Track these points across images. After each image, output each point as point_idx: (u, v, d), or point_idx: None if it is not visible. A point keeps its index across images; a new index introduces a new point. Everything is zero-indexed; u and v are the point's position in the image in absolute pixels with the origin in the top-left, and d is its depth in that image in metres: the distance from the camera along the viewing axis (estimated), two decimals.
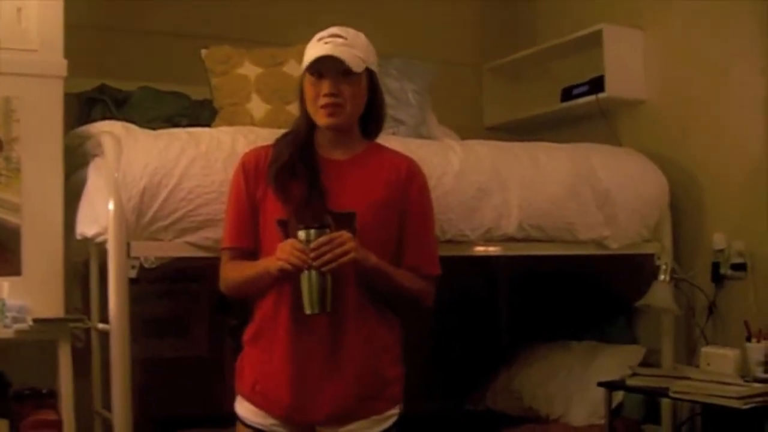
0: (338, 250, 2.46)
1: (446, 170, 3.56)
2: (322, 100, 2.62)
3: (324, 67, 2.60)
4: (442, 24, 5.20)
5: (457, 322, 4.81)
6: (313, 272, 2.47)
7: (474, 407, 4.62)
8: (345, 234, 2.49)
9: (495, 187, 3.66)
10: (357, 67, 2.60)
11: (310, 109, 2.66)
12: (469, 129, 4.63)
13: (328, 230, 2.49)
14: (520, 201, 3.71)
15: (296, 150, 2.68)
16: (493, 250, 3.76)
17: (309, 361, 2.58)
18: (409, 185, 2.72)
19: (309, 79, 2.64)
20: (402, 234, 2.70)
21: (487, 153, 3.75)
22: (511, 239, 3.74)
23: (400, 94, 4.03)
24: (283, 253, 2.49)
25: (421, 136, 3.94)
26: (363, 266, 2.54)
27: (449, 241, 3.55)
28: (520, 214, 3.70)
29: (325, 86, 2.61)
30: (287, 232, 2.57)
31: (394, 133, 3.81)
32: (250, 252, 2.68)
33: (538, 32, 5.12)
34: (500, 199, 3.67)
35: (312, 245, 2.46)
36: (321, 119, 2.64)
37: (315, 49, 2.62)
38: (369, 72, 2.67)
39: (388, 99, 3.88)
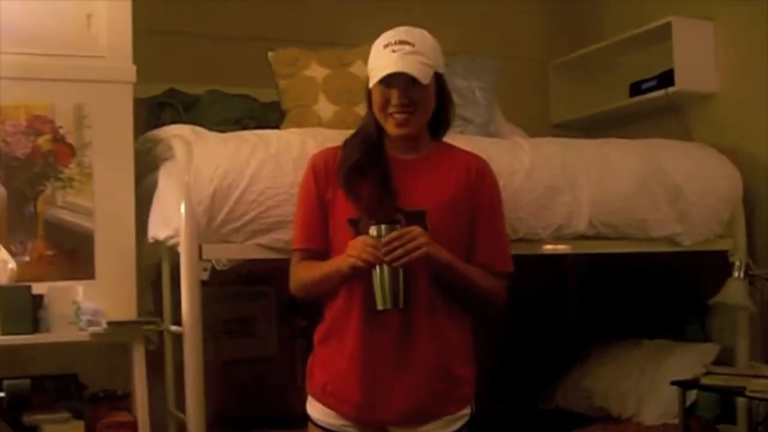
0: (410, 245, 2.45)
1: (516, 168, 3.54)
2: (392, 109, 2.60)
3: (394, 78, 2.57)
4: (508, 20, 5.17)
5: (526, 320, 4.77)
6: (385, 267, 2.46)
7: (544, 406, 4.58)
8: (417, 229, 2.48)
9: (565, 185, 3.64)
10: (426, 77, 2.58)
11: (378, 115, 2.65)
12: (536, 126, 4.60)
13: (399, 226, 2.48)
14: (590, 198, 3.68)
15: (365, 151, 2.67)
16: (563, 248, 3.74)
17: (379, 360, 2.58)
18: (480, 184, 2.70)
19: (377, 87, 2.62)
20: (473, 232, 2.68)
21: (556, 150, 3.73)
22: (582, 237, 3.71)
23: (467, 92, 4.01)
24: (354, 250, 2.48)
25: (489, 135, 3.93)
26: (435, 262, 2.53)
27: (520, 240, 3.53)
28: (590, 212, 3.67)
29: (394, 96, 2.59)
30: (358, 231, 2.57)
31: (462, 132, 3.79)
32: (321, 253, 2.68)
33: (605, 27, 5.05)
34: (570, 197, 3.64)
35: (383, 240, 2.45)
36: (391, 129, 2.63)
37: (383, 58, 2.60)
38: (436, 74, 2.65)
39: (455, 98, 3.86)
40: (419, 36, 2.62)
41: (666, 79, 4.44)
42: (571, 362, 4.64)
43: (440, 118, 2.74)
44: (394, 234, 2.45)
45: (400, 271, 2.47)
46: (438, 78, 2.66)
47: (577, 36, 5.19)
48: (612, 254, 3.87)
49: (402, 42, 2.59)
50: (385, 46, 2.61)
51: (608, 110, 4.87)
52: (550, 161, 3.66)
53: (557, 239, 3.67)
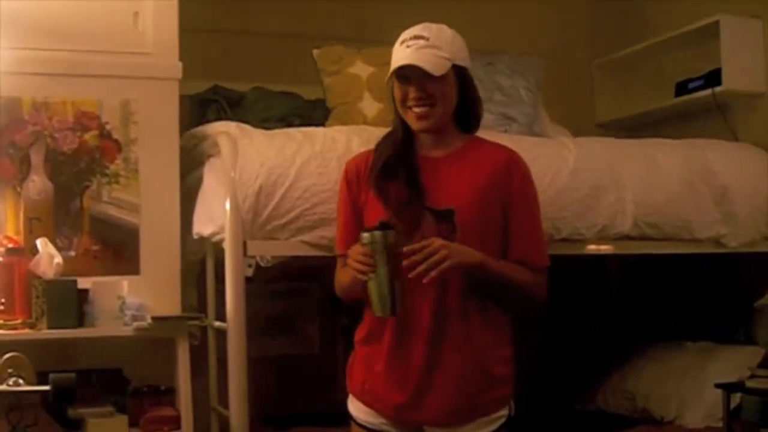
0: (432, 259, 2.42)
1: (561, 168, 3.53)
2: (411, 103, 2.60)
3: (408, 71, 2.57)
4: (553, 19, 5.13)
5: (565, 319, 4.74)
6: (379, 274, 2.44)
7: (585, 408, 4.55)
8: (436, 241, 2.45)
9: (610, 185, 3.62)
10: (438, 69, 2.55)
11: (400, 111, 2.65)
12: (580, 125, 4.56)
13: (392, 231, 2.45)
14: (635, 198, 3.66)
15: (394, 151, 2.67)
16: (606, 248, 3.72)
17: (413, 361, 2.57)
18: (510, 176, 2.65)
19: (396, 83, 2.62)
20: (506, 227, 2.64)
21: (601, 150, 3.71)
22: (626, 237, 3.69)
23: (512, 91, 3.99)
24: (350, 259, 2.50)
25: (533, 134, 3.91)
26: (467, 267, 2.51)
27: (564, 240, 3.52)
28: (635, 212, 3.66)
29: (411, 90, 2.59)
30: None
31: (506, 131, 3.78)
32: None
33: (651, 25, 5.00)
34: (615, 197, 3.63)
35: (405, 256, 2.43)
36: (413, 123, 2.63)
37: (398, 53, 2.60)
38: (458, 68, 2.63)
39: (499, 96, 3.87)
40: (436, 30, 2.61)
41: (713, 78, 4.40)
42: (610, 364, 4.61)
43: (467, 112, 2.71)
44: (415, 246, 2.43)
45: (395, 279, 2.45)
46: (460, 71, 2.64)
47: (623, 34, 5.13)
48: (656, 255, 3.84)
49: (416, 37, 2.59)
50: (402, 42, 2.62)
51: (654, 110, 4.82)
52: (595, 161, 3.65)
53: (601, 239, 3.65)
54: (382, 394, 2.62)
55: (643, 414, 4.25)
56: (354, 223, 2.68)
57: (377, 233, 2.45)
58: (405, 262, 2.42)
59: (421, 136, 2.68)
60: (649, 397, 4.27)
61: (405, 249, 2.43)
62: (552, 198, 3.43)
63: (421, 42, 2.57)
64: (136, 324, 3.22)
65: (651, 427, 4.08)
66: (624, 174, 3.68)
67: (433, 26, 2.62)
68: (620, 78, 5.19)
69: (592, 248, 3.67)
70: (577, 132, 4.19)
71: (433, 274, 2.42)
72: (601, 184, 3.61)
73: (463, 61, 2.64)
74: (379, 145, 2.73)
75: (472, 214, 2.57)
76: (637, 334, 4.73)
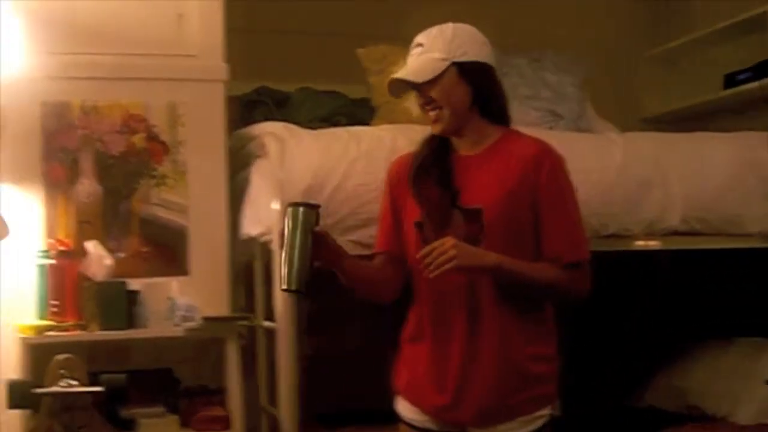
0: (439, 259, 2.39)
1: (608, 164, 3.52)
2: (425, 109, 2.59)
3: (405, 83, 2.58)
4: (598, 14, 5.08)
5: (615, 316, 4.71)
6: (293, 250, 2.39)
7: (635, 405, 4.52)
8: (448, 241, 2.40)
9: (658, 180, 3.61)
10: (424, 75, 2.52)
11: (423, 116, 2.65)
12: (626, 120, 4.53)
13: (314, 210, 2.42)
14: (683, 193, 3.64)
15: (430, 152, 2.65)
16: (654, 244, 3.70)
17: (451, 363, 2.54)
18: (538, 170, 2.54)
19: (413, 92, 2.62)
20: (537, 224, 2.55)
21: (648, 145, 3.70)
22: (674, 232, 3.66)
23: (559, 87, 3.97)
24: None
25: (580, 130, 3.89)
26: (475, 270, 2.46)
27: (612, 236, 3.50)
28: (683, 207, 3.64)
29: (420, 97, 2.58)
30: (423, 234, 2.55)
31: (551, 128, 3.76)
32: (397, 257, 2.67)
33: (698, 17, 4.96)
34: (663, 192, 3.61)
35: (417, 256, 2.42)
36: (431, 128, 2.62)
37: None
38: (464, 64, 2.54)
39: (546, 93, 3.85)
40: (435, 33, 2.56)
41: (762, 70, 4.35)
42: (660, 360, 4.57)
43: (489, 106, 2.62)
44: (427, 248, 2.41)
45: (297, 254, 2.39)
46: (468, 67, 2.55)
47: (668, 27, 5.09)
48: (705, 250, 3.81)
49: (416, 45, 2.58)
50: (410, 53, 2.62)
51: (701, 103, 4.78)
52: (643, 156, 3.64)
53: (649, 235, 3.63)
54: (424, 395, 2.61)
55: (694, 411, 4.21)
56: (392, 224, 2.68)
57: (299, 209, 2.41)
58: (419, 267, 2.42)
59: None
60: (700, 394, 4.23)
61: (419, 254, 2.42)
62: (599, 194, 3.42)
63: (418, 50, 2.56)
64: (186, 324, 3.25)
65: (702, 424, 4.04)
66: (672, 169, 3.66)
67: (434, 29, 2.58)
68: (667, 71, 5.15)
69: (640, 244, 3.65)
70: (623, 127, 4.16)
71: (436, 272, 2.39)
72: (649, 179, 3.60)
73: (470, 55, 2.56)
74: (420, 146, 2.72)
75: (498, 212, 2.52)
76: (687, 330, 4.69)
